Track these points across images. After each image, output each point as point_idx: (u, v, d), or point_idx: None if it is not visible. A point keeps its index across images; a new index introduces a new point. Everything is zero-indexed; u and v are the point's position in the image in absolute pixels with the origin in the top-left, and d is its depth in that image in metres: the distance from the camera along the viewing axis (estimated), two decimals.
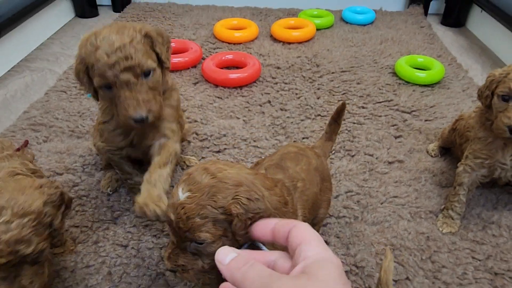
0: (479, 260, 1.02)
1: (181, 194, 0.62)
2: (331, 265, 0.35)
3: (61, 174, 1.25)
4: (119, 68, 0.79)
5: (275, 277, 0.34)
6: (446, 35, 2.30)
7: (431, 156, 1.37)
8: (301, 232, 0.39)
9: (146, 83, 0.82)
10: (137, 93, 0.81)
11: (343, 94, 1.69)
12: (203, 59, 1.90)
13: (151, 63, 0.82)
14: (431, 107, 1.62)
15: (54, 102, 1.59)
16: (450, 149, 1.36)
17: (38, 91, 1.71)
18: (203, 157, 1.34)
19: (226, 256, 0.39)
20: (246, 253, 0.40)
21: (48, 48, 2.08)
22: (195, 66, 1.86)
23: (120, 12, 2.47)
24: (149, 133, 0.97)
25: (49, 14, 2.17)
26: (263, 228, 0.44)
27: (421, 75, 1.75)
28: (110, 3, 2.54)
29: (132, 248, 1.03)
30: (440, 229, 1.11)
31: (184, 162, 1.30)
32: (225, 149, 1.38)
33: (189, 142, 1.40)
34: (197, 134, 1.44)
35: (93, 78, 0.83)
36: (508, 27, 1.89)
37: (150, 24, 1.14)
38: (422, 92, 1.72)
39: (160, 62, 0.89)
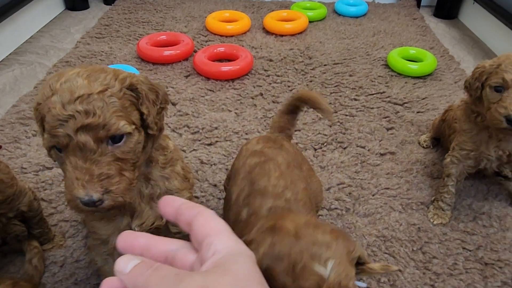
0: (470, 251, 1.03)
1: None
2: (245, 258, 0.31)
3: (50, 169, 1.24)
4: (73, 125, 0.54)
5: (182, 275, 0.29)
6: (438, 27, 2.29)
7: (423, 147, 1.37)
8: (208, 222, 0.34)
9: (112, 152, 0.57)
10: (92, 164, 0.55)
11: (336, 86, 1.69)
12: (195, 51, 1.88)
13: (124, 126, 0.57)
14: (423, 99, 1.62)
15: None
16: (441, 140, 1.36)
17: (28, 84, 1.69)
18: (194, 149, 1.33)
19: (128, 264, 0.33)
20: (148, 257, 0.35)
21: (38, 41, 2.05)
22: (186, 59, 1.85)
23: (111, 4, 2.44)
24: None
25: (39, 6, 2.14)
26: (168, 204, 0.37)
27: (413, 67, 1.74)
28: None
29: None
30: (431, 220, 1.11)
31: None
32: (216, 141, 1.37)
33: (180, 135, 1.40)
34: (188, 127, 1.43)
35: (43, 134, 0.59)
36: (500, 18, 1.89)
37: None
38: (414, 84, 1.71)
39: (145, 125, 0.63)
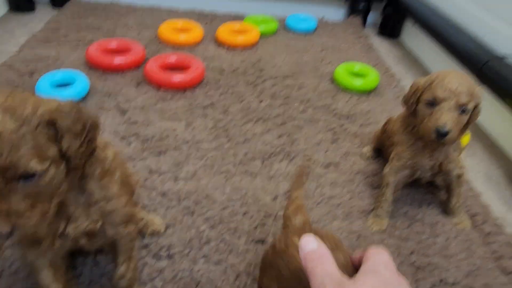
0: (404, 255, 1.10)
1: None
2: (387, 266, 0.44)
3: None
4: None
5: (344, 281, 0.40)
6: (382, 46, 2.44)
7: (365, 159, 1.45)
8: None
9: (23, 189, 0.57)
10: (0, 201, 0.56)
11: (285, 98, 1.75)
12: (146, 60, 1.87)
13: (35, 165, 0.56)
14: (366, 112, 1.71)
15: None
16: (382, 151, 1.44)
17: None
18: (143, 158, 1.33)
19: (307, 245, 0.42)
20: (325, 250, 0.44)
21: None
22: (137, 67, 1.84)
23: (59, 8, 2.37)
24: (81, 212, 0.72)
25: None
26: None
27: (357, 83, 1.84)
28: None
29: None
30: (370, 227, 1.18)
31: (147, 225, 1.07)
32: (166, 150, 1.37)
33: (129, 143, 1.38)
34: (138, 135, 1.42)
35: None
36: (434, 40, 2.05)
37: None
38: (358, 98, 1.81)
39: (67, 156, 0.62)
